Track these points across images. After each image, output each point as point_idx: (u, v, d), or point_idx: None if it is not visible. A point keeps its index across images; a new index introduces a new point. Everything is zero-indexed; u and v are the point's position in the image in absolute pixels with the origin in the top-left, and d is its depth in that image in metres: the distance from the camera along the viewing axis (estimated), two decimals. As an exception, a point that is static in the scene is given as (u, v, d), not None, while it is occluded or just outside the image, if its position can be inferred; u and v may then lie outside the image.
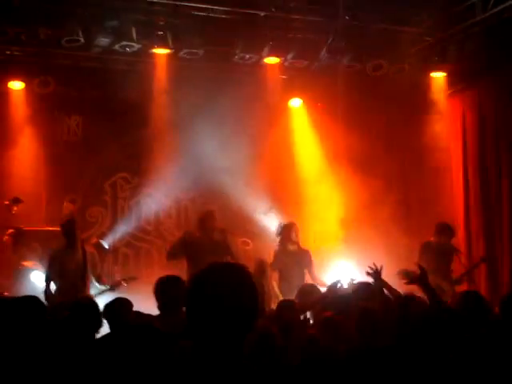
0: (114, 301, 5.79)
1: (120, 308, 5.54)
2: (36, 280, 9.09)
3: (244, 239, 11.43)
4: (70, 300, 7.33)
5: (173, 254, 8.77)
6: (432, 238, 9.09)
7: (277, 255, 9.01)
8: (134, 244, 11.44)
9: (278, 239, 9.13)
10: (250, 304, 2.26)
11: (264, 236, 11.21)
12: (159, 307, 5.21)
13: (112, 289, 8.06)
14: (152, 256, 11.48)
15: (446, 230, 9.07)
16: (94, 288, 8.17)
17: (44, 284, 8.10)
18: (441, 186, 11.43)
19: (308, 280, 8.79)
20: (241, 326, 2.22)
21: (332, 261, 9.97)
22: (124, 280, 8.50)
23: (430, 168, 11.53)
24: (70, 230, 8.08)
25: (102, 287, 8.11)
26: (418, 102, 11.38)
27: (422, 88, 11.16)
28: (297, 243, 9.02)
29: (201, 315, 2.21)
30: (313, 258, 9.07)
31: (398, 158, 11.99)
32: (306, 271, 8.92)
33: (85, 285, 8.06)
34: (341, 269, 9.40)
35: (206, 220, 8.85)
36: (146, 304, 5.59)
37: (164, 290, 5.19)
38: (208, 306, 2.20)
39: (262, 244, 11.28)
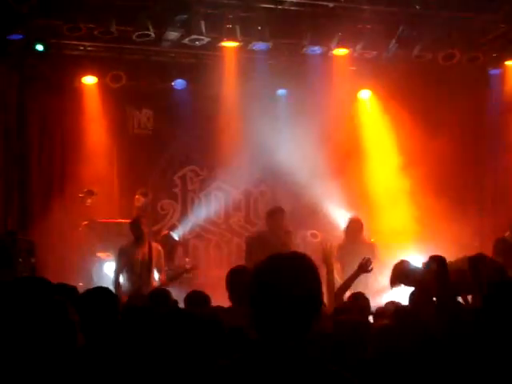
0: (190, 293, 5.82)
1: (195, 301, 5.58)
2: (109, 271, 9.30)
3: (313, 231, 11.39)
4: (136, 291, 7.65)
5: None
6: (507, 234, 8.77)
7: (340, 248, 8.93)
8: (204, 236, 11.56)
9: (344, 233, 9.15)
10: (313, 293, 2.25)
11: (333, 229, 11.14)
12: (230, 298, 5.24)
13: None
14: (221, 248, 11.58)
15: None
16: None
17: (114, 275, 8.38)
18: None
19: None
20: (303, 316, 2.21)
21: (402, 256, 9.80)
22: (184, 271, 8.78)
23: (504, 164, 11.23)
24: (137, 228, 8.38)
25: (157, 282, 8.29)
26: (492, 90, 11.09)
27: (496, 77, 10.88)
28: (361, 237, 8.98)
29: (262, 305, 2.21)
30: (378, 252, 8.89)
31: (472, 149, 11.69)
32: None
33: (150, 277, 8.26)
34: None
35: (273, 216, 8.87)
36: (214, 296, 5.62)
37: (234, 281, 5.22)
38: (269, 295, 2.20)
39: (331, 237, 11.20)
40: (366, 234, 9.12)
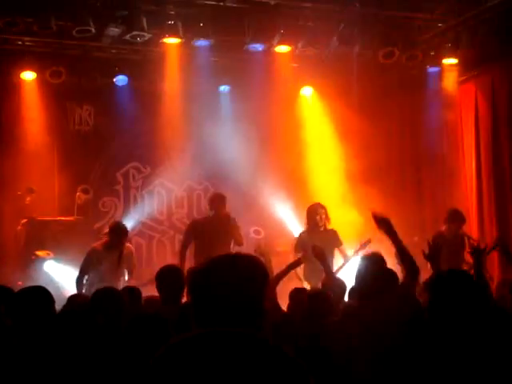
0: (124, 289, 5.81)
1: (130, 296, 5.56)
2: (49, 270, 9.17)
3: (256, 228, 11.45)
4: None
5: (184, 247, 8.97)
6: (443, 227, 9.00)
7: (299, 238, 8.93)
8: (147, 233, 11.50)
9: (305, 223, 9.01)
10: (254, 293, 2.25)
11: (276, 225, 11.23)
12: (160, 297, 5.23)
13: None
14: (164, 245, 11.54)
15: (456, 217, 8.97)
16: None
17: (78, 274, 8.06)
18: (453, 173, 11.40)
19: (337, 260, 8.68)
20: (244, 316, 2.22)
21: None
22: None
23: (443, 154, 11.52)
24: (121, 239, 8.13)
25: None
26: (431, 88, 11.33)
27: (434, 74, 11.12)
28: (323, 224, 8.84)
29: (204, 306, 2.22)
30: (340, 237, 8.85)
31: (410, 145, 11.97)
32: (336, 251, 8.73)
33: (117, 279, 8.05)
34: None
35: (214, 201, 8.97)
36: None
37: (162, 281, 5.21)
38: (210, 295, 2.21)
39: (274, 233, 11.30)
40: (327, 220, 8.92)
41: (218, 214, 8.91)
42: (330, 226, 8.96)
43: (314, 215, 8.82)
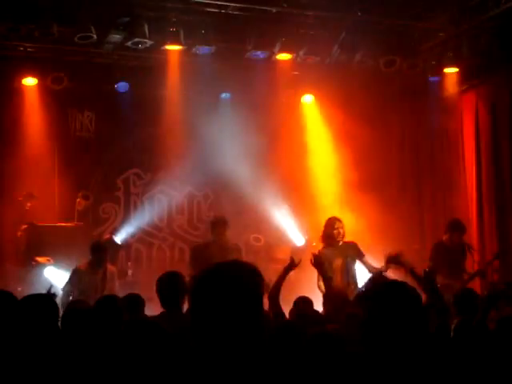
0: (125, 297, 5.81)
1: (132, 304, 5.56)
2: (49, 275, 9.15)
3: (256, 235, 11.45)
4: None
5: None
6: (444, 237, 8.98)
7: (319, 255, 8.21)
8: (147, 240, 11.48)
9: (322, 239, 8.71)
10: (252, 305, 2.26)
11: (276, 232, 11.23)
12: (162, 304, 5.23)
13: None
14: (164, 252, 11.52)
15: (457, 227, 8.95)
16: None
17: (63, 295, 8.05)
18: (454, 181, 11.42)
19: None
20: (243, 324, 2.23)
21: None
22: None
23: (443, 163, 11.54)
24: (102, 255, 8.19)
25: None
26: (432, 97, 11.36)
27: (435, 83, 11.14)
28: (341, 238, 8.57)
29: (203, 313, 2.23)
30: (361, 249, 8.59)
31: (411, 153, 11.98)
32: (359, 263, 8.48)
33: None
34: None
35: (216, 226, 8.80)
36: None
37: (163, 287, 5.21)
38: (210, 303, 2.21)
39: (273, 240, 11.30)
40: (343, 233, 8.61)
41: (219, 241, 8.70)
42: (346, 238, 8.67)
43: (331, 230, 8.54)
